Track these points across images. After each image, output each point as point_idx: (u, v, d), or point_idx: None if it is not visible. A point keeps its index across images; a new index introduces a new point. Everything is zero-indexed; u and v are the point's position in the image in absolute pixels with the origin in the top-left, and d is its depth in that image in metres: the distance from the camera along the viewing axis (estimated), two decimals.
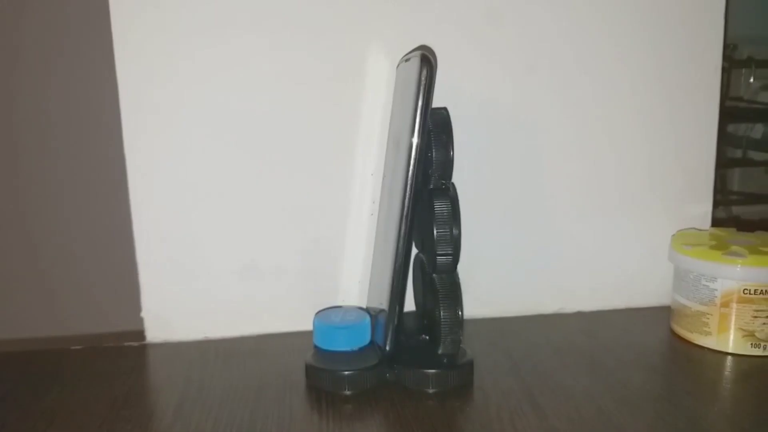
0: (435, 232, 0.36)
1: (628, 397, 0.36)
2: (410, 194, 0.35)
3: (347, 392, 0.36)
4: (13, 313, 0.43)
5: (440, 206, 0.36)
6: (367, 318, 0.39)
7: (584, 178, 0.48)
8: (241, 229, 0.44)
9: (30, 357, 0.42)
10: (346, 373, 0.36)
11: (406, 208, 0.35)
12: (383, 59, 0.43)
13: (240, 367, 0.40)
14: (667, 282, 0.47)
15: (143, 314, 0.44)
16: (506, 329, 0.45)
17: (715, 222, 0.50)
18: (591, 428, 0.33)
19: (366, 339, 0.39)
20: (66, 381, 0.39)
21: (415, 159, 0.35)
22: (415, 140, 0.35)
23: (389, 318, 0.36)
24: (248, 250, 0.45)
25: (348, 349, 0.38)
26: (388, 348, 0.37)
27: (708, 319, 0.42)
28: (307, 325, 0.45)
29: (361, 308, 0.42)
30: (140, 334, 0.44)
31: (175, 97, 0.42)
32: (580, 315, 0.48)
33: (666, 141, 0.48)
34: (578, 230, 0.48)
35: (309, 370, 0.38)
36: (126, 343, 0.44)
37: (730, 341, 0.41)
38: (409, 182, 0.35)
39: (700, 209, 0.49)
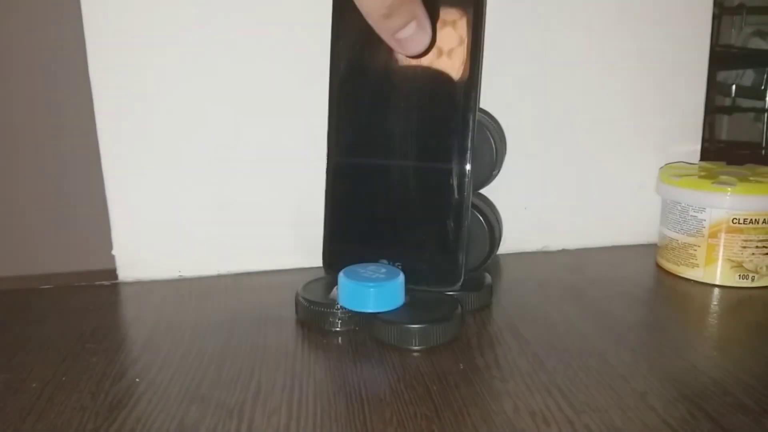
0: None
1: (612, 326, 0.35)
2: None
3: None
4: None
5: None
6: (401, 275, 0.35)
7: (571, 116, 0.46)
8: (216, 166, 0.43)
9: None
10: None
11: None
12: None
13: (214, 303, 0.39)
14: (654, 220, 0.46)
15: (114, 252, 0.43)
16: (489, 266, 0.44)
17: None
18: (573, 354, 0.32)
19: (399, 300, 0.34)
20: (31, 318, 0.38)
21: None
22: None
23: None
24: (223, 187, 0.43)
25: (379, 311, 0.34)
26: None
27: (695, 251, 0.41)
28: (285, 264, 0.44)
29: (391, 264, 0.37)
30: (112, 273, 0.43)
31: (145, 25, 0.40)
32: (565, 252, 0.47)
33: (656, 83, 0.46)
34: (564, 168, 0.47)
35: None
36: (97, 282, 0.42)
37: (718, 273, 0.40)
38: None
39: (689, 148, 0.48)
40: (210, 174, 0.43)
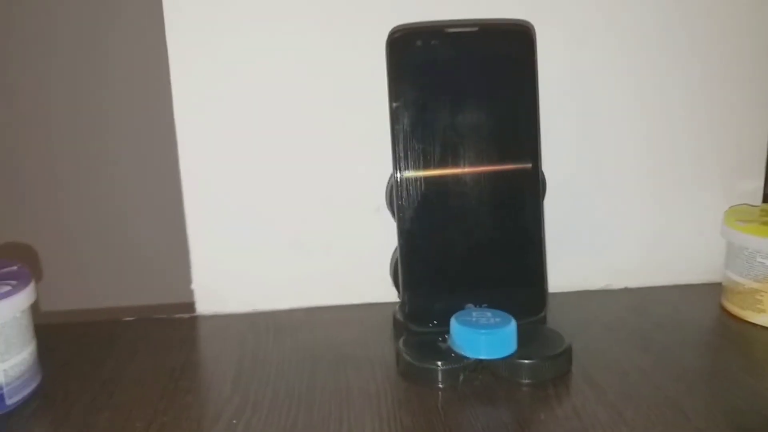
0: None
1: (684, 375, 0.36)
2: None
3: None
4: (69, 286, 0.44)
5: None
6: (513, 322, 0.36)
7: (634, 153, 0.47)
8: (290, 205, 0.44)
9: (85, 328, 0.43)
10: None
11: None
12: None
13: (291, 339, 0.41)
14: (716, 259, 0.47)
15: (193, 286, 0.45)
16: (553, 305, 0.45)
17: (766, 198, 0.49)
18: (650, 405, 0.33)
19: (512, 348, 0.35)
20: (121, 351, 0.40)
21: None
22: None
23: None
24: (296, 225, 0.45)
25: (491, 357, 0.35)
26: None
27: (762, 296, 0.41)
28: (354, 299, 0.46)
29: (502, 312, 0.37)
30: (191, 306, 0.45)
31: (226, 71, 0.42)
32: (627, 291, 0.48)
33: (719, 116, 0.47)
34: (627, 205, 0.48)
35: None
36: (177, 315, 0.44)
37: None
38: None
39: (752, 185, 0.48)
40: (284, 213, 0.45)
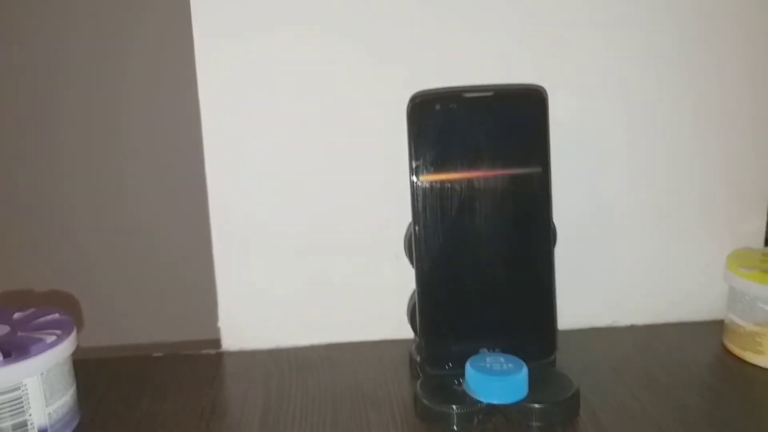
0: None
1: (688, 419, 0.38)
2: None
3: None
4: (101, 323, 0.46)
5: None
6: (524, 369, 0.38)
7: (642, 197, 0.49)
8: (312, 246, 0.47)
9: (117, 364, 0.45)
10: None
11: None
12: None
13: (313, 378, 0.43)
14: (719, 298, 0.49)
15: (219, 324, 0.47)
16: (562, 343, 0.47)
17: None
18: None
19: (523, 393, 0.38)
20: (154, 389, 0.42)
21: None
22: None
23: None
24: (317, 266, 0.47)
25: (504, 402, 0.37)
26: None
27: (761, 339, 0.43)
28: (372, 335, 0.48)
29: (514, 358, 0.39)
30: (216, 343, 0.47)
31: (254, 109, 0.45)
32: (633, 329, 0.50)
33: (722, 163, 0.49)
34: (633, 247, 0.50)
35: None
36: (203, 351, 0.47)
37: None
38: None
39: (754, 226, 0.50)
40: (306, 253, 0.47)
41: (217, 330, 0.47)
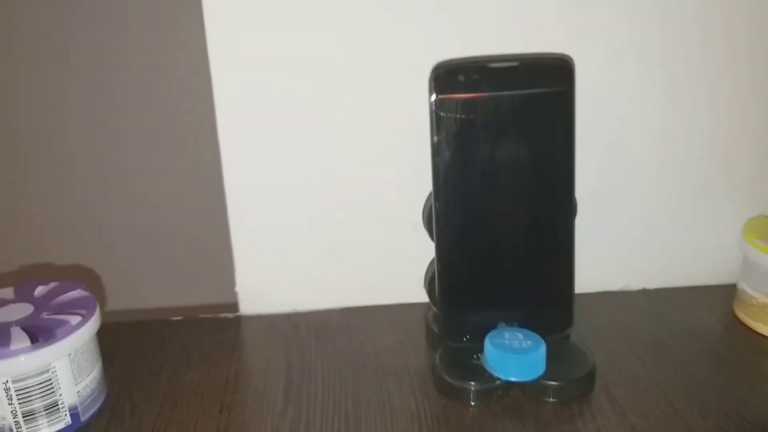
0: None
1: (697, 391, 0.39)
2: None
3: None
4: (125, 288, 0.46)
5: None
6: (543, 346, 0.38)
7: (660, 161, 0.48)
8: (329, 211, 0.46)
9: (138, 328, 0.46)
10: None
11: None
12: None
13: (331, 345, 0.44)
14: (733, 262, 0.49)
15: (237, 289, 0.47)
16: (575, 307, 0.48)
17: None
18: (666, 428, 0.36)
19: (541, 370, 0.38)
20: (177, 356, 0.43)
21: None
22: None
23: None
24: (334, 230, 0.47)
25: (522, 379, 0.38)
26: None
27: None
28: (386, 299, 0.48)
29: (533, 334, 0.40)
30: (234, 307, 0.48)
31: (268, 73, 0.43)
32: (644, 293, 0.51)
33: (746, 122, 0.48)
34: (649, 211, 0.49)
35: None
36: (222, 315, 0.47)
37: None
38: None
39: None
40: (323, 218, 0.47)
41: (234, 294, 0.47)
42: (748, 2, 0.45)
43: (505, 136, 0.39)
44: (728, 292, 0.49)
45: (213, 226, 0.45)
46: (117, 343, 0.44)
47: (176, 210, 0.45)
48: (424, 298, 0.44)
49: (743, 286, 0.46)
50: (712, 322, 0.47)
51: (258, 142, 0.44)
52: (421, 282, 0.45)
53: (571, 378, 0.39)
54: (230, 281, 0.47)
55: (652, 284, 0.51)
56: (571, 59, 0.40)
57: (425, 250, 0.45)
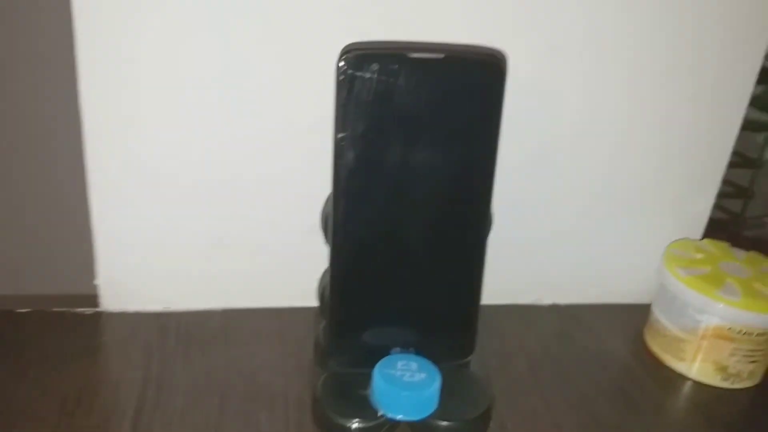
0: None
1: None
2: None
3: None
4: None
5: None
6: (437, 380, 0.34)
7: (582, 165, 0.44)
8: (215, 199, 0.40)
9: None
10: None
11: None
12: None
13: (203, 358, 0.38)
14: (648, 281, 0.46)
15: (97, 282, 0.40)
16: (481, 320, 0.43)
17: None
18: None
19: (432, 407, 0.34)
20: (12, 361, 0.36)
21: None
22: None
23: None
24: (215, 221, 0.41)
25: (410, 419, 0.34)
26: None
27: (685, 346, 0.41)
28: (274, 302, 0.43)
29: (428, 364, 0.35)
30: (94, 300, 0.41)
31: (136, 48, 0.36)
32: (555, 309, 0.47)
33: (677, 138, 0.44)
34: (568, 223, 0.46)
35: None
36: (79, 309, 0.41)
37: (702, 371, 0.41)
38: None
39: (699, 207, 0.47)
40: (207, 208, 0.40)
41: (94, 287, 0.40)
42: (689, 15, 0.40)
43: (419, 138, 0.33)
44: (642, 313, 0.46)
45: (70, 204, 0.38)
46: None
47: (27, 177, 0.38)
48: (316, 302, 0.39)
49: (657, 313, 0.43)
50: (621, 350, 0.44)
51: (127, 106, 0.37)
52: (315, 285, 0.39)
53: (465, 418, 0.35)
54: (90, 273, 0.40)
55: (563, 300, 0.48)
56: (503, 56, 0.34)
57: (322, 253, 0.39)
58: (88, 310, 0.41)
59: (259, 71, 0.37)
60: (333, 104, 0.32)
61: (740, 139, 0.47)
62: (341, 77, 0.32)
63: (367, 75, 0.32)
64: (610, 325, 0.46)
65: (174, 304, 0.42)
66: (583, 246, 0.47)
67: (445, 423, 0.34)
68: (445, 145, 0.34)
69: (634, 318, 0.46)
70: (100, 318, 0.41)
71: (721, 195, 0.48)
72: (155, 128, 0.38)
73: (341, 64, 0.32)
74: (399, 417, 0.33)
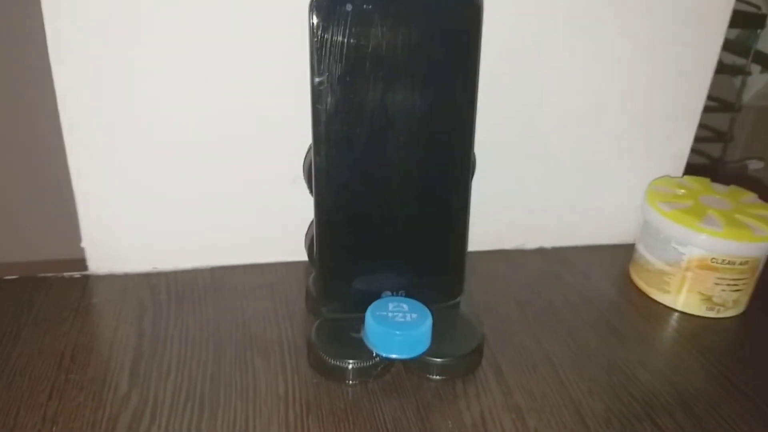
0: None
1: (588, 368, 0.36)
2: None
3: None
4: None
5: None
6: (429, 320, 0.34)
7: (562, 106, 0.44)
8: (198, 156, 0.40)
9: None
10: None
11: None
12: None
13: (194, 313, 0.38)
14: (632, 221, 0.47)
15: (83, 244, 0.40)
16: (468, 266, 0.44)
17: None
18: (552, 407, 0.33)
19: (425, 346, 0.34)
20: (5, 325, 0.36)
21: None
22: None
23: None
24: (207, 179, 0.40)
25: (404, 357, 0.34)
26: None
27: (670, 279, 0.42)
28: (263, 258, 0.43)
29: (419, 305, 0.35)
30: (82, 263, 0.41)
31: (110, 15, 0.35)
32: (541, 252, 0.48)
33: (658, 78, 0.45)
34: (551, 167, 0.46)
35: None
36: (66, 274, 0.41)
37: (687, 302, 0.42)
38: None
39: (677, 148, 0.48)
40: (191, 165, 0.40)
41: (81, 250, 0.40)
42: None
43: (398, 79, 0.33)
44: (626, 252, 0.47)
45: (50, 166, 0.38)
46: None
47: (6, 143, 0.37)
48: (305, 256, 0.39)
49: (641, 250, 0.44)
50: (607, 286, 0.45)
51: (100, 69, 0.36)
52: (303, 240, 0.40)
53: (457, 354, 0.35)
54: (75, 235, 0.40)
55: (549, 243, 0.48)
56: None
57: (309, 204, 0.39)
58: (76, 274, 0.41)
59: (237, 23, 0.37)
60: (308, 48, 0.32)
61: (720, 84, 0.48)
62: (314, 20, 0.32)
63: (341, 16, 0.32)
64: (596, 265, 0.47)
65: (162, 263, 0.42)
66: (565, 188, 0.47)
67: (438, 360, 0.35)
68: (423, 86, 0.34)
69: (619, 257, 0.47)
70: (88, 281, 0.40)
71: (702, 140, 0.49)
72: (136, 86, 0.37)
73: (314, 4, 0.31)
74: (393, 356, 0.34)
